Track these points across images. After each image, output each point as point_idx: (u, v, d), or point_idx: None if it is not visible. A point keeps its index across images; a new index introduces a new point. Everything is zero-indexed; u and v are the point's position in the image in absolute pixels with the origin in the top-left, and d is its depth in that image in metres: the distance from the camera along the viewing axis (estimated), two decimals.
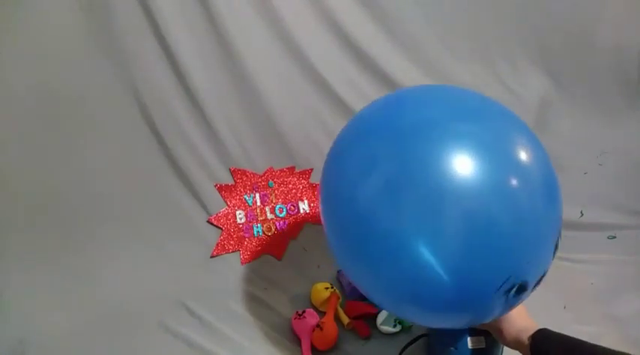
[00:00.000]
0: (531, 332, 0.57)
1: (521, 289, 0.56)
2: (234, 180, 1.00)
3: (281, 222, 1.00)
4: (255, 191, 1.01)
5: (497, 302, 0.56)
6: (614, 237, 1.04)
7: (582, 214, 1.07)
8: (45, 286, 0.83)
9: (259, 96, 0.97)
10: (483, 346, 0.67)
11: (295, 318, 0.79)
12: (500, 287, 0.54)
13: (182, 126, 0.95)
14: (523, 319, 0.61)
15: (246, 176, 1.01)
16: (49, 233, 0.87)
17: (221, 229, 0.96)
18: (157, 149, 0.94)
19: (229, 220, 0.97)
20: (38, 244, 0.85)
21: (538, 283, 0.59)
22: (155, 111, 0.93)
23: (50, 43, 0.83)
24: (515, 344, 0.60)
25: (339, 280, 0.90)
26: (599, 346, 0.53)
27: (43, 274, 0.84)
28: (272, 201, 1.01)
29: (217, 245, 0.95)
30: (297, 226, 1.00)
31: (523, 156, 0.58)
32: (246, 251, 0.95)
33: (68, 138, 0.87)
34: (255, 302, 0.85)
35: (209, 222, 0.96)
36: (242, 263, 0.93)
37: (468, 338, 0.68)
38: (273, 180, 1.02)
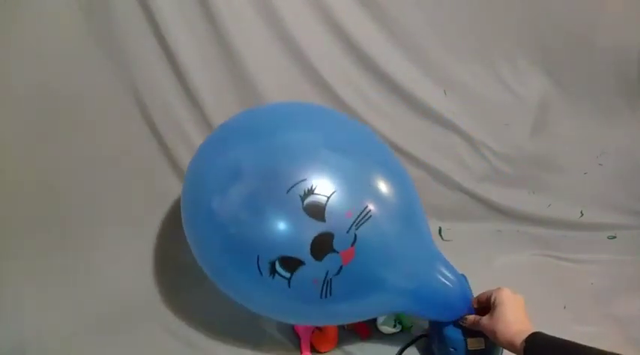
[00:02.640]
0: (526, 335, 0.57)
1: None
2: None
3: None
4: None
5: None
6: (614, 237, 1.04)
7: (582, 214, 1.08)
8: (45, 286, 0.84)
9: (259, 96, 0.97)
10: (483, 347, 0.67)
11: None
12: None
13: (182, 126, 0.95)
14: (519, 322, 0.61)
15: None
16: (48, 233, 0.87)
17: None
18: (157, 149, 0.95)
19: None
20: (38, 244, 0.86)
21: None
22: (155, 111, 0.93)
23: (50, 43, 0.83)
24: (509, 347, 0.59)
25: None
26: (595, 348, 0.53)
27: (42, 274, 0.84)
28: None
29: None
30: None
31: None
32: None
33: (68, 138, 0.87)
34: None
35: None
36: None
37: (468, 340, 0.67)
38: None
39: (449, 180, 1.10)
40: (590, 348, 0.53)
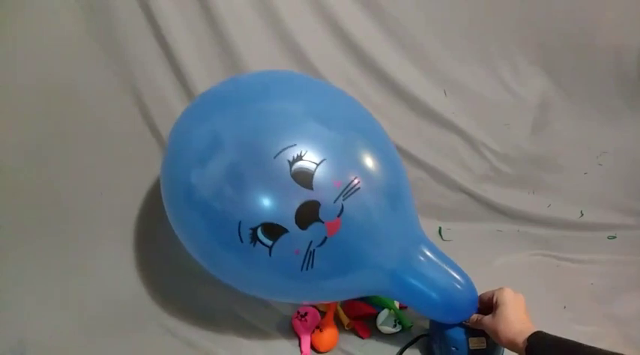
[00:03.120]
0: (528, 334, 0.57)
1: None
2: None
3: None
4: None
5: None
6: (614, 237, 1.05)
7: (582, 214, 1.08)
8: (45, 286, 0.84)
9: None
10: (484, 347, 0.67)
11: (296, 318, 0.79)
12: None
13: None
14: (521, 322, 0.61)
15: None
16: (48, 233, 0.87)
17: None
18: (157, 149, 0.94)
19: None
20: (38, 244, 0.85)
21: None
22: (155, 112, 0.93)
23: (50, 43, 0.83)
24: (511, 347, 0.59)
25: None
26: (597, 348, 0.53)
27: (42, 274, 0.84)
28: None
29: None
30: None
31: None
32: None
33: (68, 138, 0.87)
34: (255, 302, 0.85)
35: None
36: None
37: (470, 339, 0.67)
38: None
39: (449, 180, 1.10)
40: (591, 348, 0.53)
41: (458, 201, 1.10)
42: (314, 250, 0.60)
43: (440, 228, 1.07)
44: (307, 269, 0.61)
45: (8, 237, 0.84)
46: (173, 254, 0.93)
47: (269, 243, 0.59)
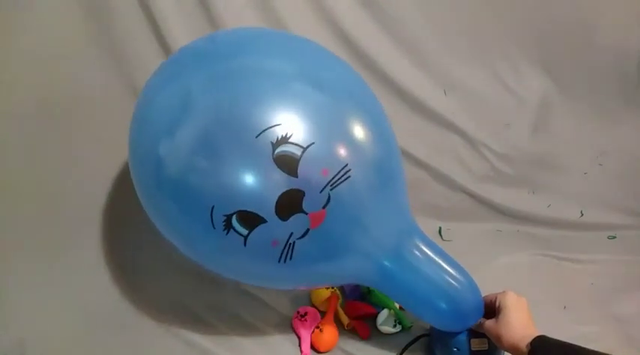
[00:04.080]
0: (530, 339, 0.57)
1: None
2: None
3: None
4: None
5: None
6: (614, 237, 1.05)
7: (582, 214, 1.08)
8: (45, 286, 0.83)
9: None
10: (486, 348, 0.67)
11: (296, 318, 0.79)
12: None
13: None
14: (524, 327, 0.60)
15: None
16: (49, 233, 0.87)
17: None
18: None
19: None
20: (38, 244, 0.85)
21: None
22: None
23: (50, 44, 0.83)
24: (513, 351, 0.59)
25: None
26: (601, 352, 0.53)
27: (43, 274, 0.84)
28: None
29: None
30: None
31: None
32: None
33: (68, 138, 0.87)
34: (255, 302, 0.85)
35: None
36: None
37: (471, 340, 0.67)
38: None
39: (449, 180, 1.10)
40: (594, 352, 0.53)
41: (458, 201, 1.10)
42: (294, 242, 0.54)
43: (440, 228, 1.07)
44: (285, 261, 0.56)
45: (8, 237, 0.84)
46: (173, 253, 0.93)
47: (244, 232, 0.54)
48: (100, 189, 0.91)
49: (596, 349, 0.53)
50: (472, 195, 1.10)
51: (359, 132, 0.57)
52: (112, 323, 0.80)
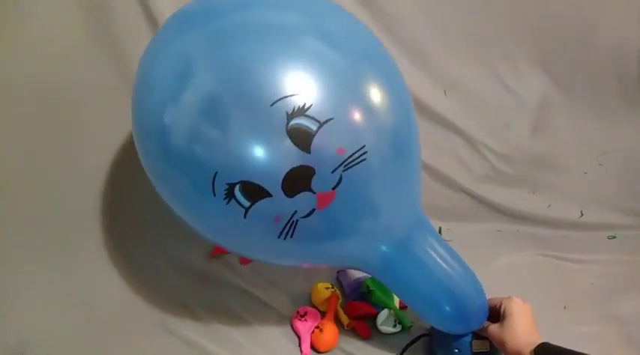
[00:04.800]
0: (534, 346, 0.57)
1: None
2: None
3: None
4: None
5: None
6: (614, 237, 1.05)
7: (582, 214, 1.08)
8: (45, 286, 0.83)
9: None
10: (487, 349, 0.67)
11: (296, 318, 0.79)
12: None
13: None
14: (528, 334, 0.60)
15: None
16: (48, 233, 0.87)
17: None
18: None
19: None
20: (38, 244, 0.85)
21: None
22: None
23: (50, 43, 0.82)
24: None
25: (338, 280, 0.90)
26: None
27: (42, 274, 0.84)
28: None
29: (217, 245, 0.94)
30: None
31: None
32: None
33: (68, 138, 0.87)
34: (255, 302, 0.85)
35: None
36: (242, 263, 0.93)
37: (473, 341, 0.67)
38: None
39: (449, 180, 1.10)
40: None
41: (458, 201, 1.10)
42: (297, 221, 0.52)
43: (440, 228, 1.07)
44: (285, 238, 0.53)
45: (8, 238, 0.84)
46: (175, 254, 0.93)
47: (246, 204, 0.51)
48: (100, 189, 0.91)
49: (596, 349, 0.53)
50: (472, 195, 1.10)
51: (386, 118, 0.53)
52: (112, 323, 0.80)
